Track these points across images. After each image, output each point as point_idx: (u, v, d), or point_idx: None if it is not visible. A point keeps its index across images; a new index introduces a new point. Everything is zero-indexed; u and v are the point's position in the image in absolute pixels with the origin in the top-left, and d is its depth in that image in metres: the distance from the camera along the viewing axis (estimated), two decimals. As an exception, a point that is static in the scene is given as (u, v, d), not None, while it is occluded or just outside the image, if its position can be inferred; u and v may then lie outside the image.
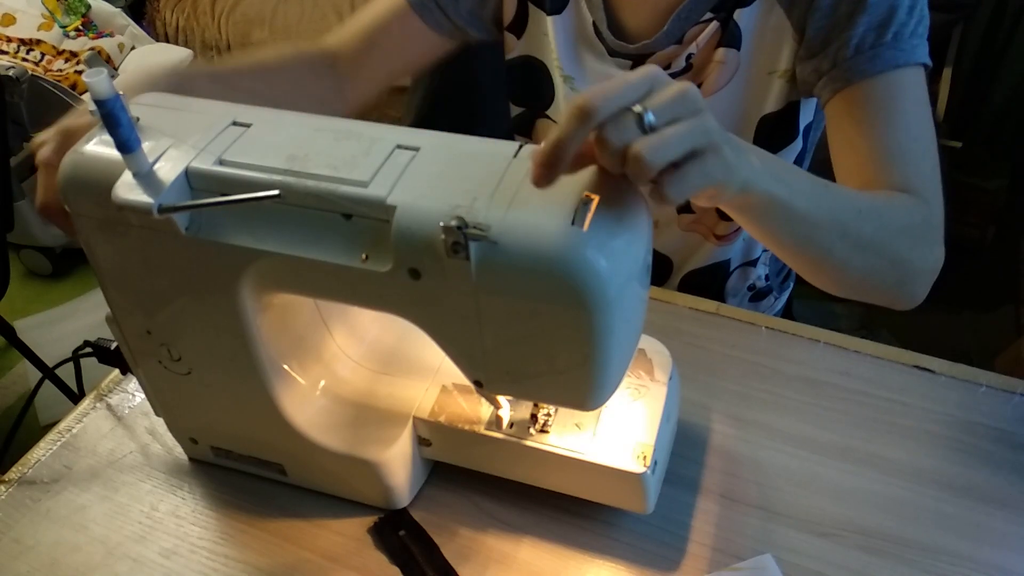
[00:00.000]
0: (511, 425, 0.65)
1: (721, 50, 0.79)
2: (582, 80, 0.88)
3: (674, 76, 0.82)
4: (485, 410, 0.67)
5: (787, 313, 1.10)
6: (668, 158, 0.42)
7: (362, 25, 0.91)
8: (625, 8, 0.82)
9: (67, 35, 2.25)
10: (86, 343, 0.78)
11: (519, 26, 0.89)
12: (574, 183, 0.50)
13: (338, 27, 0.94)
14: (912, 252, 0.69)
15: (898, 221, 0.67)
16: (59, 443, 0.77)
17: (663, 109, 0.43)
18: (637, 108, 0.42)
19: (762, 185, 0.53)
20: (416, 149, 0.54)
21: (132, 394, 0.82)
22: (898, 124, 0.71)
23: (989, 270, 2.09)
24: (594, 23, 0.83)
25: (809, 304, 2.00)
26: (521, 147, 0.53)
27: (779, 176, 0.56)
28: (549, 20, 0.85)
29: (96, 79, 0.49)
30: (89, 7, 2.29)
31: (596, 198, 0.49)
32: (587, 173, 0.51)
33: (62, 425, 0.79)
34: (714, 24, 0.78)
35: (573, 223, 0.48)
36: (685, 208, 0.90)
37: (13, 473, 0.75)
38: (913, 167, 0.71)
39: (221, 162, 0.54)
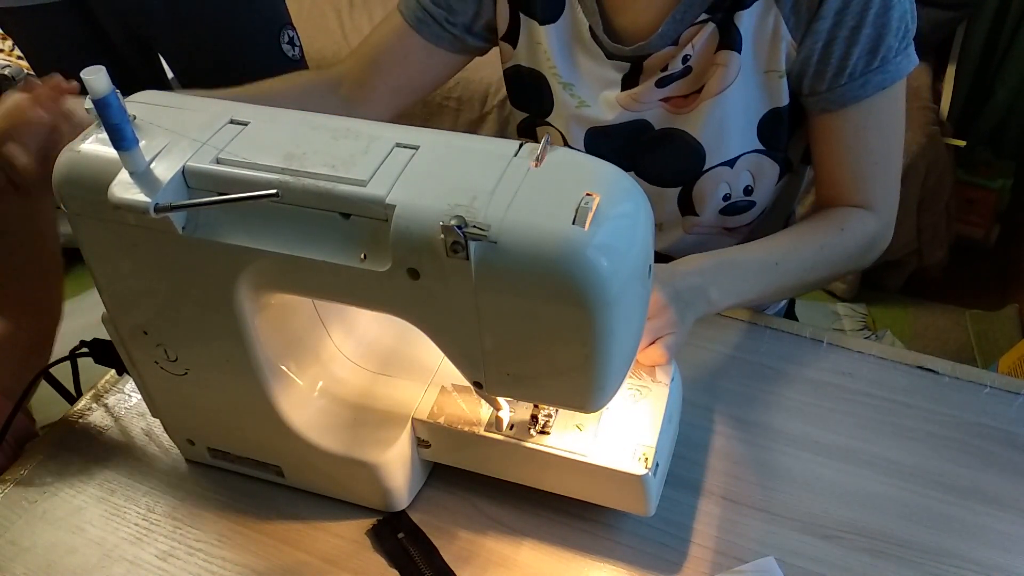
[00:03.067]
0: (511, 427, 0.65)
1: (723, 52, 0.79)
2: (581, 85, 0.88)
3: (672, 78, 0.82)
4: (485, 411, 0.66)
5: (789, 313, 1.10)
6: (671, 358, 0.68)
7: (365, 49, 0.93)
8: (620, 12, 0.82)
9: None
10: (82, 343, 0.77)
11: (513, 36, 0.89)
12: (574, 182, 0.49)
13: (346, 55, 0.95)
14: (860, 262, 0.84)
15: (848, 250, 0.81)
16: (55, 444, 0.77)
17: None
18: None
19: (719, 308, 0.74)
20: (415, 148, 0.53)
21: (128, 395, 0.81)
22: (872, 148, 0.81)
23: (993, 270, 2.08)
24: (590, 27, 0.84)
25: (812, 304, 1.99)
26: (521, 146, 0.52)
27: (735, 291, 0.75)
28: (543, 29, 0.86)
29: (93, 76, 0.48)
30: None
31: (597, 197, 0.48)
32: (587, 174, 0.51)
33: (58, 426, 0.78)
34: (711, 26, 0.79)
35: (574, 222, 0.47)
36: (689, 210, 0.90)
37: (9, 474, 0.74)
38: (876, 188, 0.83)
39: (218, 160, 0.54)
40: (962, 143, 1.88)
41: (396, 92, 0.93)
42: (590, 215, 0.47)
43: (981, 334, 1.89)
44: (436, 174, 0.51)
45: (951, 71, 1.97)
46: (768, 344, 0.82)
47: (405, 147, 0.53)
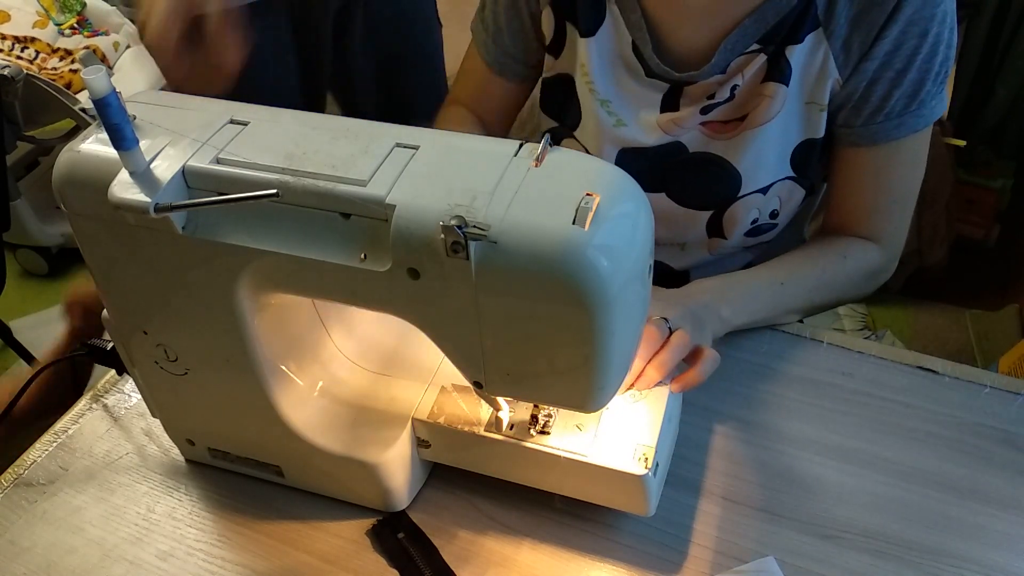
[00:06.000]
0: (511, 427, 0.65)
1: (771, 85, 0.78)
2: (618, 103, 0.85)
3: (717, 106, 0.81)
4: (485, 411, 0.66)
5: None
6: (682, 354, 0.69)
7: (466, 100, 0.98)
8: (671, 34, 0.80)
9: (62, 33, 2.23)
10: (82, 343, 0.77)
11: (558, 45, 0.88)
12: (574, 182, 0.49)
13: (451, 94, 1.01)
14: (862, 290, 0.85)
15: (850, 277, 0.83)
16: (55, 444, 0.77)
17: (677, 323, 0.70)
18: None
19: (732, 325, 0.78)
20: (415, 147, 0.53)
21: (128, 395, 0.81)
22: (893, 186, 0.82)
23: (993, 270, 2.08)
24: (634, 43, 0.82)
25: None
26: (522, 145, 0.52)
27: (745, 309, 0.78)
28: (583, 42, 0.84)
29: (94, 76, 0.48)
30: (84, 5, 2.27)
31: (597, 197, 0.48)
32: (587, 174, 0.51)
33: (58, 426, 0.78)
34: (761, 57, 0.78)
35: (574, 222, 0.47)
36: (717, 233, 0.89)
37: (9, 474, 0.74)
38: (889, 224, 0.84)
39: (218, 160, 0.54)
40: (962, 143, 1.87)
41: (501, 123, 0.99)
42: (590, 215, 0.47)
43: (981, 334, 1.88)
44: (436, 174, 0.51)
45: (951, 71, 1.96)
46: (768, 344, 0.82)
47: (405, 147, 0.53)
